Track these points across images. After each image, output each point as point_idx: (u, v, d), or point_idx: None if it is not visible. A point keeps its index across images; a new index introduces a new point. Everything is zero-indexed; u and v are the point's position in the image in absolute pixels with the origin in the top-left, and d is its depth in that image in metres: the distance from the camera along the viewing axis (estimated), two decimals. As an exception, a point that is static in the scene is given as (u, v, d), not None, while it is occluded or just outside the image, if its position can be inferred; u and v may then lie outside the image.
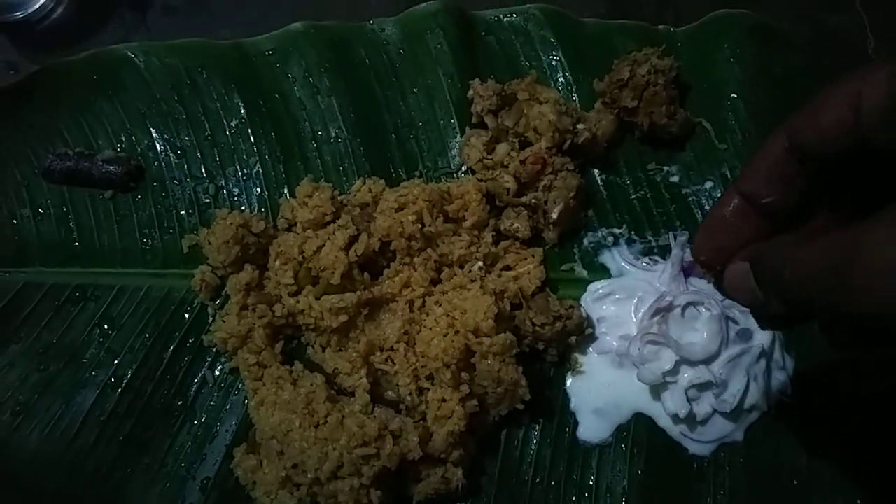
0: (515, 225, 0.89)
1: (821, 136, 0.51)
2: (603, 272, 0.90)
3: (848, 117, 0.49)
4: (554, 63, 0.97)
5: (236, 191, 0.93)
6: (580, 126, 0.89)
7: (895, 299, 0.42)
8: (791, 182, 0.55)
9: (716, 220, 0.60)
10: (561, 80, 0.97)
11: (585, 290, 0.88)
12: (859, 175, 0.52)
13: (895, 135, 0.47)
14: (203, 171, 0.94)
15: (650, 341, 0.81)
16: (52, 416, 0.84)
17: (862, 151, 0.49)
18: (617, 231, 0.91)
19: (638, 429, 0.83)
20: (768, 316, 0.59)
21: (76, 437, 0.83)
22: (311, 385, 0.79)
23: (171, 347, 0.87)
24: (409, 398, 0.79)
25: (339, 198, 0.90)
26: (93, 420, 0.84)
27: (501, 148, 0.90)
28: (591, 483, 0.82)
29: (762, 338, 0.81)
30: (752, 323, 0.81)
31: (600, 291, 0.87)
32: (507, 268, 0.88)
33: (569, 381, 0.85)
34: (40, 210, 0.93)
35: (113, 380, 0.85)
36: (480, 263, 0.86)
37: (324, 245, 0.84)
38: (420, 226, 0.84)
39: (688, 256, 0.86)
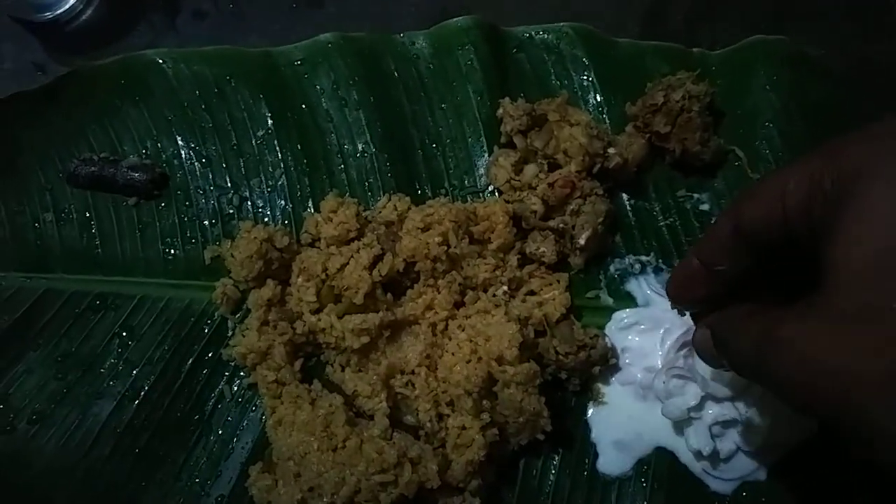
0: (542, 249, 0.87)
1: (755, 224, 0.55)
2: (629, 300, 0.88)
3: (777, 211, 0.52)
4: (585, 84, 0.96)
5: (260, 203, 0.92)
6: (611, 150, 0.88)
7: (802, 385, 0.46)
8: (739, 257, 0.59)
9: (679, 277, 0.67)
10: (592, 101, 0.96)
11: (610, 319, 0.87)
12: (799, 256, 0.54)
13: (813, 231, 0.49)
14: (228, 181, 0.93)
15: (676, 375, 0.80)
16: (69, 425, 0.83)
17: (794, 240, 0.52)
18: (644, 258, 0.90)
19: (659, 463, 0.82)
20: None
21: (92, 448, 0.83)
22: (330, 406, 0.78)
23: (190, 360, 0.86)
24: (428, 424, 0.78)
25: (364, 213, 0.89)
26: (109, 431, 0.83)
27: (530, 169, 0.89)
28: (609, 517, 0.81)
29: (790, 376, 0.79)
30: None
31: (626, 321, 0.86)
32: (532, 293, 0.87)
33: (590, 412, 0.84)
34: (63, 215, 0.92)
35: (130, 391, 0.85)
36: (505, 288, 0.85)
37: (347, 263, 0.83)
38: (446, 248, 0.83)
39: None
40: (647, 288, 0.88)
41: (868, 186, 0.45)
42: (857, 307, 0.45)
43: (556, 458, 0.83)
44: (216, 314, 0.88)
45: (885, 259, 0.44)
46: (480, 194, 0.93)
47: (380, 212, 0.89)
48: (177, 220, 0.92)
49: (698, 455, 0.80)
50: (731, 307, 0.61)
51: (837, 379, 0.44)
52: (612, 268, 0.90)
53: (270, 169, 0.93)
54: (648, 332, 0.85)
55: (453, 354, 0.79)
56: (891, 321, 0.43)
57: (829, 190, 0.48)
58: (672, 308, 0.73)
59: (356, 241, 0.86)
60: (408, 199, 0.90)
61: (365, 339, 0.80)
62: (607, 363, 0.83)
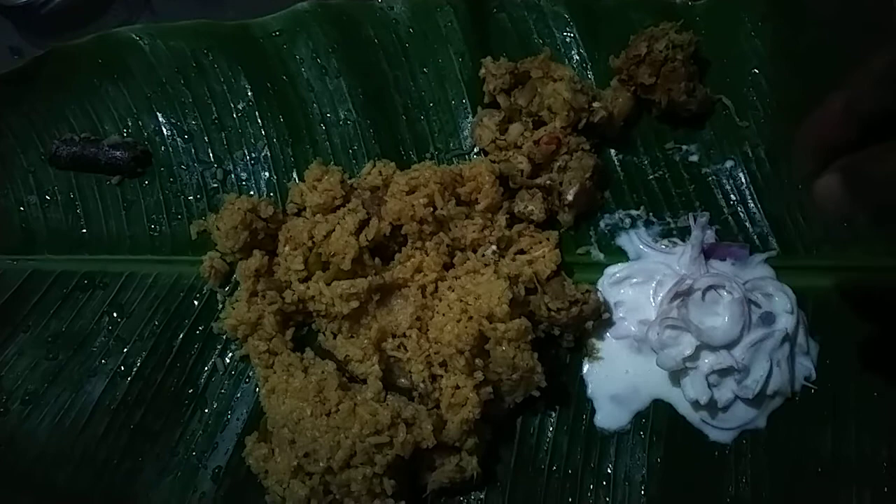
0: (530, 207, 0.86)
1: None
2: (620, 255, 0.87)
3: None
4: (568, 40, 0.95)
5: (244, 175, 0.92)
6: (596, 104, 0.87)
7: None
8: (889, 94, 0.57)
9: (818, 121, 0.64)
10: (575, 57, 0.94)
11: (602, 274, 0.86)
12: None
13: None
14: (210, 155, 0.92)
15: (670, 326, 0.79)
16: (62, 405, 0.83)
17: None
18: (634, 213, 0.89)
19: (657, 416, 0.81)
20: None
21: (86, 426, 0.82)
22: (323, 372, 0.77)
23: (181, 335, 0.86)
24: (422, 385, 0.77)
25: (349, 181, 0.88)
26: (102, 409, 0.83)
27: (514, 128, 0.88)
28: (608, 471, 0.80)
29: (785, 322, 0.78)
30: (774, 306, 0.79)
31: (618, 275, 0.85)
32: (522, 251, 0.86)
33: (586, 367, 0.83)
34: (47, 197, 0.92)
35: (122, 368, 0.84)
36: (494, 247, 0.84)
37: (334, 230, 0.82)
38: (432, 209, 0.82)
39: (708, 238, 0.84)
40: (638, 242, 0.87)
41: None
42: None
43: (553, 416, 0.82)
44: (205, 288, 0.88)
45: None
46: (466, 156, 0.92)
47: (364, 178, 0.88)
48: (161, 197, 0.92)
49: (696, 405, 0.79)
50: (870, 147, 0.60)
51: None
52: (602, 223, 0.89)
53: (253, 141, 0.92)
54: (641, 285, 0.84)
55: (444, 315, 0.78)
56: None
57: None
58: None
59: (342, 208, 0.85)
60: (392, 164, 0.89)
61: (354, 304, 0.80)
62: (600, 318, 0.82)
